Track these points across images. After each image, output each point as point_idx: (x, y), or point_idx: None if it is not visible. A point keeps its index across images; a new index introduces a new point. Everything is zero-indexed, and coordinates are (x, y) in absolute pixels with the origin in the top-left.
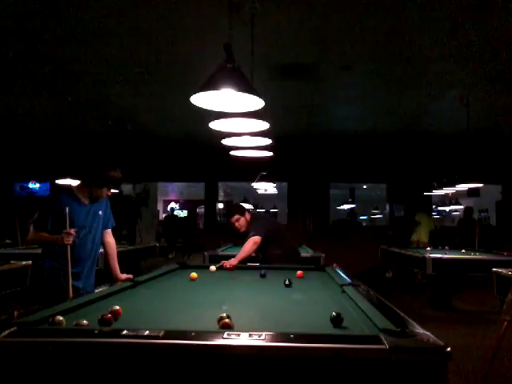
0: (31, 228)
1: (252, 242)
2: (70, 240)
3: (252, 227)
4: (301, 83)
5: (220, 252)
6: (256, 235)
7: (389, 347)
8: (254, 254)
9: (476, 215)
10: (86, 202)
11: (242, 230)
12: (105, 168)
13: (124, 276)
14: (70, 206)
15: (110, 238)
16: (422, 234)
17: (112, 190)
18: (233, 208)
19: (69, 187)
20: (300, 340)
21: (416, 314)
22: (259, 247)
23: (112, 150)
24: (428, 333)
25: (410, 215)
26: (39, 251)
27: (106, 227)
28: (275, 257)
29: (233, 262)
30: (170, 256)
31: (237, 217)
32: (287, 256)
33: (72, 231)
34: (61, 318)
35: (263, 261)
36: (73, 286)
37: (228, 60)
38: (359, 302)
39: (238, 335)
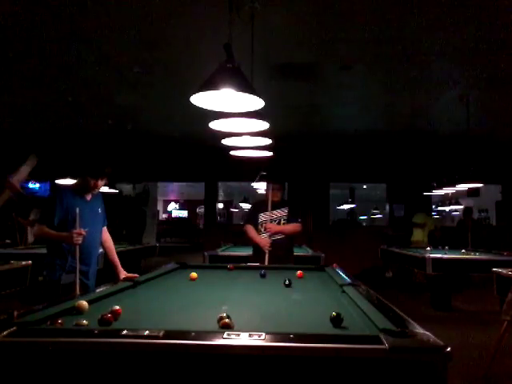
0: (36, 223)
1: (298, 227)
2: (80, 240)
3: (294, 213)
4: (301, 83)
5: (220, 252)
6: (301, 225)
7: (389, 347)
8: (267, 250)
9: (476, 215)
10: (88, 198)
11: (276, 199)
12: (97, 159)
13: (129, 274)
14: (75, 202)
15: (106, 233)
16: (422, 234)
17: (107, 190)
18: (282, 185)
19: (69, 185)
20: (300, 340)
21: (416, 314)
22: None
23: (112, 149)
24: (428, 333)
25: (409, 215)
26: (39, 251)
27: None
28: (276, 256)
29: (275, 228)
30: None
31: (281, 191)
32: (286, 256)
33: (82, 231)
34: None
35: (259, 257)
36: (83, 283)
37: (228, 60)
38: (359, 302)
39: (238, 335)
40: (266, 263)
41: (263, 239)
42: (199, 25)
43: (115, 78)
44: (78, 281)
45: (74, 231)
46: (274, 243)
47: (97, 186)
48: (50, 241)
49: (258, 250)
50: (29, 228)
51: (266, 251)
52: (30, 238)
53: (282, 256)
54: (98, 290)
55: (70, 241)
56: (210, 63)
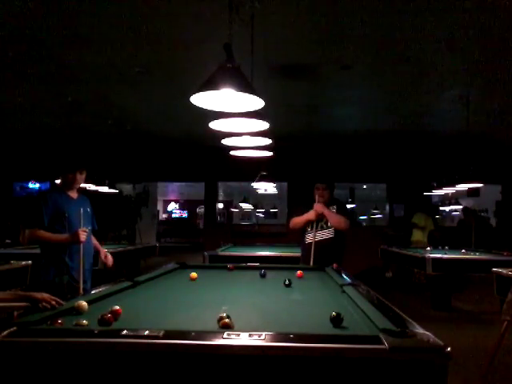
0: (26, 228)
1: (344, 219)
2: (85, 237)
3: (342, 210)
4: (301, 83)
5: (220, 252)
6: (348, 220)
7: (389, 347)
8: (321, 210)
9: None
10: (74, 196)
11: (321, 200)
12: (71, 154)
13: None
14: (61, 201)
15: (94, 240)
16: (421, 234)
17: (107, 189)
18: (331, 184)
19: (54, 186)
20: (300, 340)
21: (416, 314)
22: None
23: (112, 149)
24: (428, 333)
25: (409, 215)
26: (39, 251)
27: (93, 227)
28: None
29: (323, 210)
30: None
31: (329, 190)
32: (334, 257)
33: (86, 229)
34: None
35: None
36: (74, 286)
37: (228, 60)
38: (359, 302)
39: (238, 335)
40: (311, 263)
41: (315, 204)
42: (199, 25)
43: (115, 78)
44: (81, 281)
45: (80, 229)
46: (319, 243)
47: (76, 181)
48: (44, 243)
49: (309, 250)
50: None
51: (321, 210)
52: None
53: (329, 256)
54: (97, 290)
55: (77, 239)
56: (210, 63)
